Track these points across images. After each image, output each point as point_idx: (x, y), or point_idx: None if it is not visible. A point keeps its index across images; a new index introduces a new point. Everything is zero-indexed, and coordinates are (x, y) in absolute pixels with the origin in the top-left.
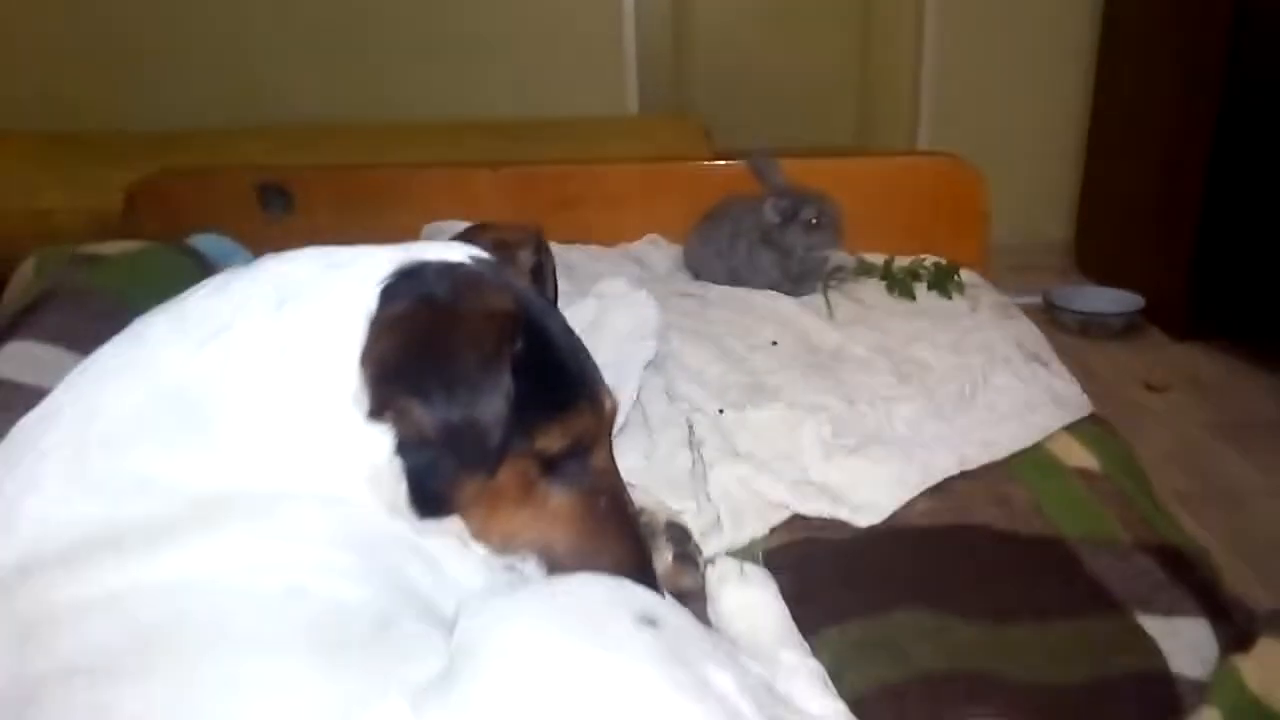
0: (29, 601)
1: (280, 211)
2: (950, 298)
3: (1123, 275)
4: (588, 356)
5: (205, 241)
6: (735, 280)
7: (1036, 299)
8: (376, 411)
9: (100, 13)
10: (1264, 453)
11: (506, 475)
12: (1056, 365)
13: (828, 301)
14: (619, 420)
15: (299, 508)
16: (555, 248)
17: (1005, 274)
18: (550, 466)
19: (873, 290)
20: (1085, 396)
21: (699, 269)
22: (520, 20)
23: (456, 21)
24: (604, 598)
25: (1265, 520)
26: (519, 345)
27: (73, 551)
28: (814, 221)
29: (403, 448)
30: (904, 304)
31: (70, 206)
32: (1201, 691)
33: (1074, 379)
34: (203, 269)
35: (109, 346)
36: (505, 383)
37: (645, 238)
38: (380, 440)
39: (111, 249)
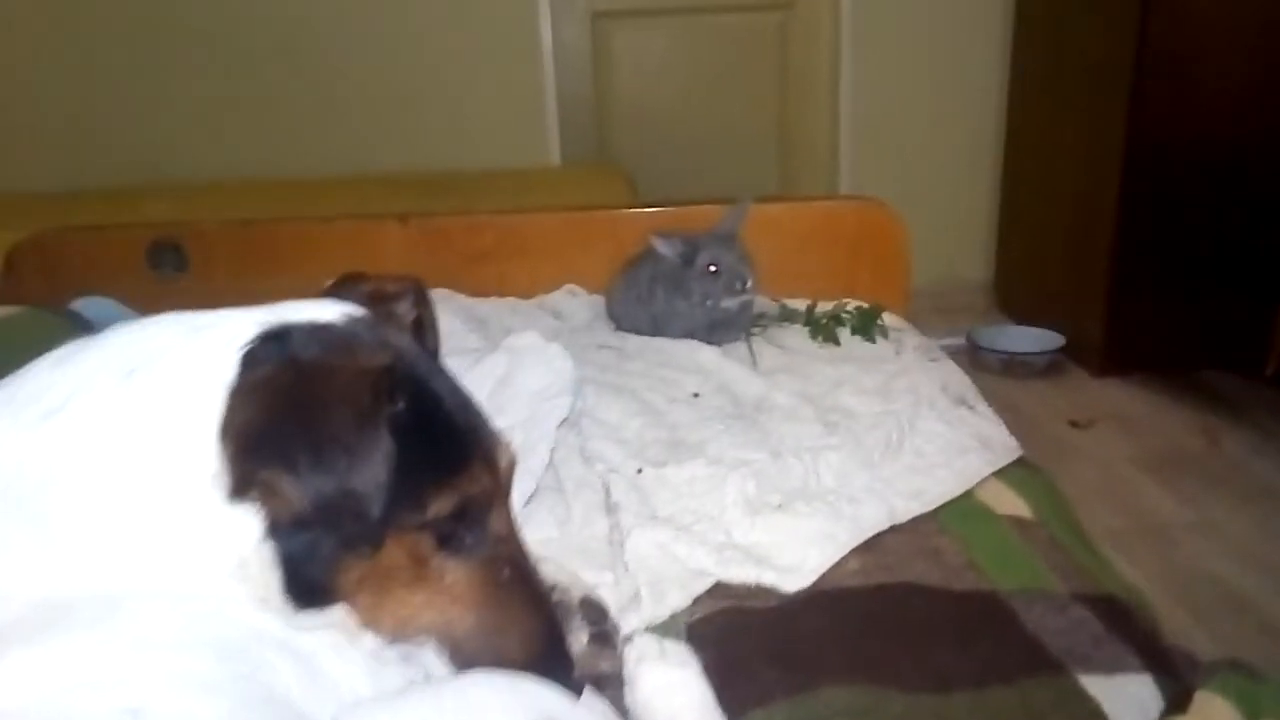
0: None
1: (173, 271)
2: (874, 341)
3: (1042, 314)
4: (478, 411)
5: (90, 305)
6: (656, 329)
7: (960, 340)
8: (239, 490)
9: None
10: (1188, 486)
11: (394, 551)
12: (983, 408)
13: (750, 349)
14: (530, 486)
15: (147, 610)
16: (467, 302)
17: (929, 315)
18: (444, 537)
19: (796, 336)
20: (1013, 439)
21: (620, 318)
22: (437, 73)
23: (373, 75)
24: (498, 702)
25: (1193, 555)
26: (399, 404)
27: None
28: (712, 269)
29: (273, 531)
30: (828, 350)
31: None
32: None
33: (1000, 421)
34: (84, 336)
35: None
36: (384, 445)
37: (563, 288)
38: (246, 524)
39: None
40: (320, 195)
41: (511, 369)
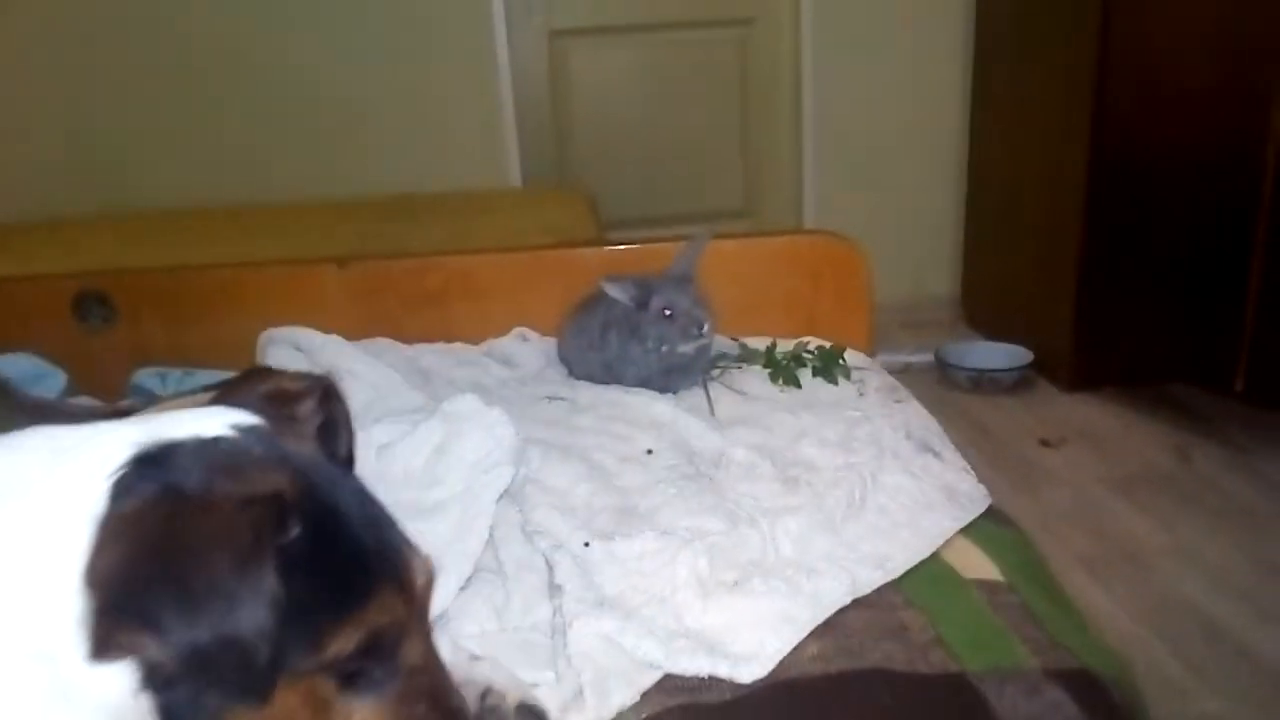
0: None
1: (100, 323)
2: (836, 383)
3: (1010, 329)
4: (392, 525)
5: (12, 363)
6: (610, 375)
7: (928, 357)
8: (101, 648)
9: None
10: (1161, 506)
11: (288, 698)
12: (949, 454)
13: (708, 396)
14: (467, 569)
15: None
16: (410, 352)
17: (896, 331)
18: (347, 677)
19: (756, 379)
20: (981, 488)
21: (573, 363)
22: (393, 94)
23: (328, 98)
24: None
25: (1166, 579)
26: (292, 533)
27: None
28: (667, 313)
29: (148, 683)
30: (789, 394)
31: None
32: None
33: (967, 468)
34: (3, 396)
35: None
36: (269, 586)
37: (513, 332)
38: (117, 678)
39: None
40: (274, 222)
41: (449, 437)
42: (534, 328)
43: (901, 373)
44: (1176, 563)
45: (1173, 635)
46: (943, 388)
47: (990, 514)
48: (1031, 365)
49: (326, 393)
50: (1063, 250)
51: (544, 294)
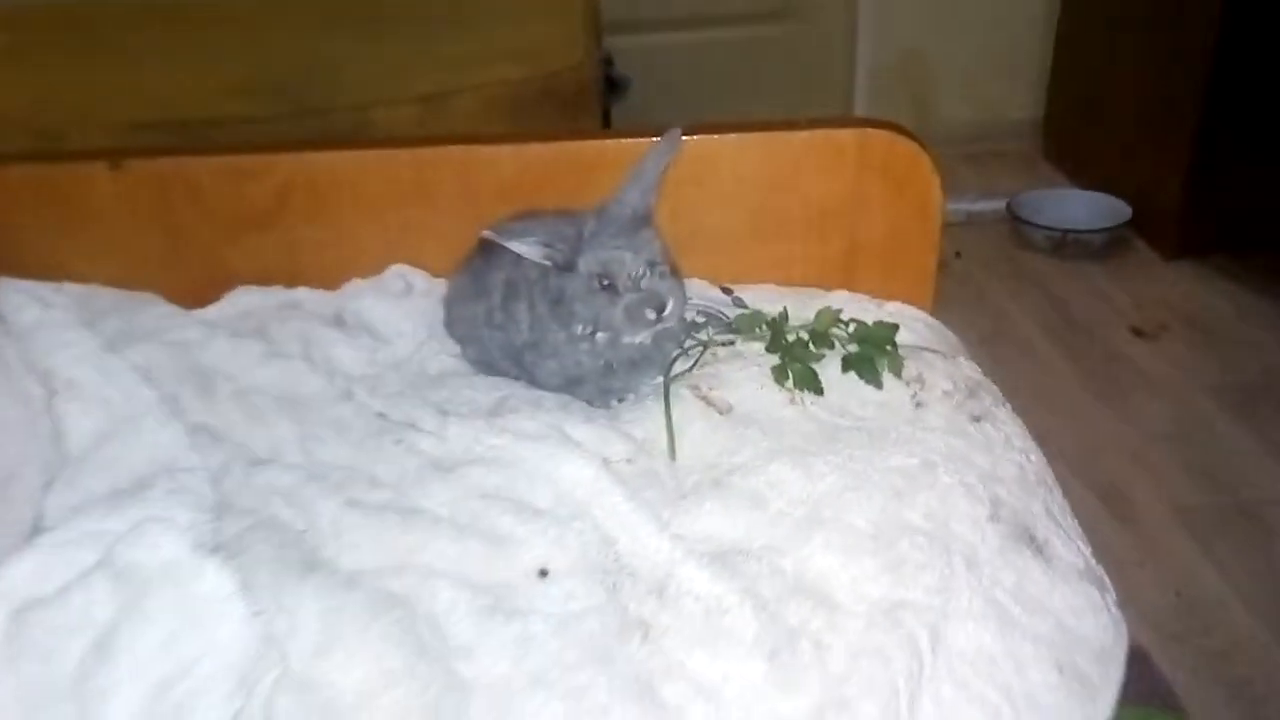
0: None
1: None
2: (880, 385)
3: (1104, 174)
4: None
5: None
6: (517, 368)
7: (999, 206)
8: None
9: None
10: None
11: None
12: (1065, 548)
13: (669, 419)
14: None
15: None
16: (191, 327)
17: (960, 170)
18: None
19: (753, 377)
20: (1123, 626)
21: (465, 342)
22: None
23: None
24: None
25: None
26: None
27: None
28: (603, 283)
29: None
30: (799, 411)
31: None
32: None
33: (1102, 581)
34: None
35: None
36: None
37: (390, 271)
38: None
39: None
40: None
41: (123, 616)
42: (424, 266)
43: (963, 225)
44: None
45: None
46: (1014, 246)
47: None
48: (1129, 224)
49: None
50: (1180, 75)
51: (439, 207)
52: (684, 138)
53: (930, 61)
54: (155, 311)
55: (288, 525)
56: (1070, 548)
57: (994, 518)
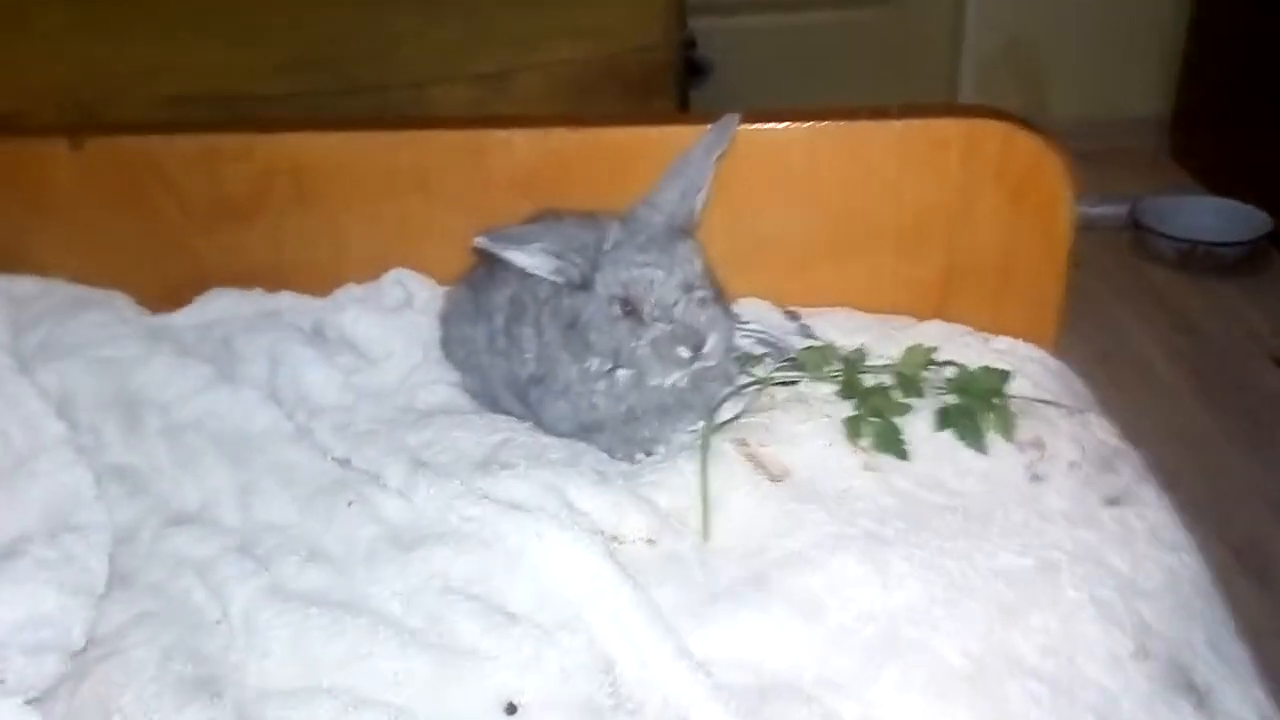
0: None
1: None
2: (985, 450)
3: (1239, 180)
4: None
5: None
6: (522, 406)
7: (1120, 211)
8: None
9: None
10: None
11: None
12: (1236, 695)
13: (705, 485)
14: None
15: None
16: (128, 343)
17: (1076, 166)
18: None
19: (820, 431)
20: None
21: (464, 368)
22: None
23: None
24: None
25: None
26: None
27: None
28: (624, 309)
29: None
30: (877, 478)
31: None
32: None
33: None
34: None
35: None
36: None
37: (389, 275)
38: None
39: None
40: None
41: None
42: (426, 269)
43: (1082, 231)
44: None
45: None
46: (1137, 257)
47: None
48: (1268, 236)
49: None
50: None
51: (449, 201)
52: (743, 126)
53: (1041, 50)
54: (97, 317)
55: (196, 612)
56: (1244, 698)
57: (1140, 653)
